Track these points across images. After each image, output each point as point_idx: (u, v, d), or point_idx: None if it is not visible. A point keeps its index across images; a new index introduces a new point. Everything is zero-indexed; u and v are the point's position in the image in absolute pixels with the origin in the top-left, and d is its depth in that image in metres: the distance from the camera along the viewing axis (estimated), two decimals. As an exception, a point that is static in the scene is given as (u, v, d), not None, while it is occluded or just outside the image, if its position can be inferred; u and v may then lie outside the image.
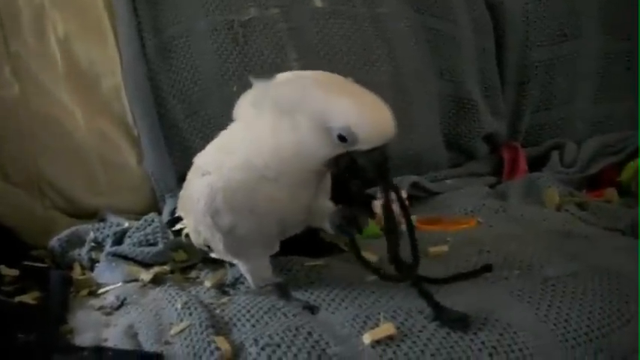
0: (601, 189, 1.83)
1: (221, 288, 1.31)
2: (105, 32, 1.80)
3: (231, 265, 1.32)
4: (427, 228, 1.59)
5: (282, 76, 1.15)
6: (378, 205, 1.59)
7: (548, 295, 1.19)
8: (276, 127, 1.10)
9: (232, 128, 1.21)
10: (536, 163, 2.03)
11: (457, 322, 1.09)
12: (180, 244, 1.45)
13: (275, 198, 1.15)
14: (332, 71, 1.79)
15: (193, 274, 1.40)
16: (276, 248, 1.27)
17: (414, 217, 1.57)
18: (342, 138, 1.07)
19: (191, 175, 1.27)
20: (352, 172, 1.10)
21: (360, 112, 1.07)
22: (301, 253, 1.36)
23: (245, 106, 1.16)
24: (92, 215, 1.73)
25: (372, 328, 1.08)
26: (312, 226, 1.28)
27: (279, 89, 1.11)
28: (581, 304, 1.17)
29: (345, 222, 1.17)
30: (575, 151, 2.02)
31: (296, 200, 1.16)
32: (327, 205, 1.24)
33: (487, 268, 1.25)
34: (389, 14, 1.93)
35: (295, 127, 1.09)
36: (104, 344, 1.14)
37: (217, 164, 1.19)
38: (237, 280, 1.31)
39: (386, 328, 1.06)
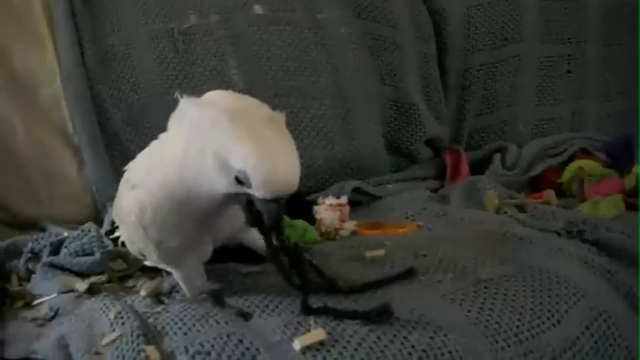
0: (543, 191, 1.85)
1: (157, 297, 1.30)
2: (43, 41, 1.78)
3: (168, 273, 1.32)
4: (368, 232, 1.60)
5: (209, 96, 1.16)
6: (318, 210, 1.61)
7: (480, 297, 1.20)
8: (188, 147, 1.10)
9: (160, 139, 1.22)
10: (480, 166, 2.06)
11: (381, 315, 1.10)
12: (118, 253, 1.44)
13: (198, 215, 1.15)
14: (272, 78, 1.82)
15: (130, 282, 1.39)
16: (209, 255, 1.27)
17: (353, 222, 1.60)
18: (238, 180, 1.05)
19: (122, 187, 1.27)
20: (250, 211, 1.09)
21: (260, 161, 1.03)
22: (238, 260, 1.36)
23: (173, 120, 1.17)
24: (32, 226, 1.71)
25: (304, 334, 1.07)
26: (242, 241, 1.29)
27: (195, 112, 1.10)
28: (513, 306, 1.19)
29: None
30: (517, 154, 2.04)
31: (215, 219, 1.17)
32: None
33: (410, 272, 1.25)
34: (329, 20, 1.94)
35: (202, 154, 1.07)
36: (33, 356, 1.13)
37: (143, 179, 1.19)
38: (174, 289, 1.31)
39: (316, 334, 1.06)
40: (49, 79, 1.77)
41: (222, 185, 1.07)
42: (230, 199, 1.10)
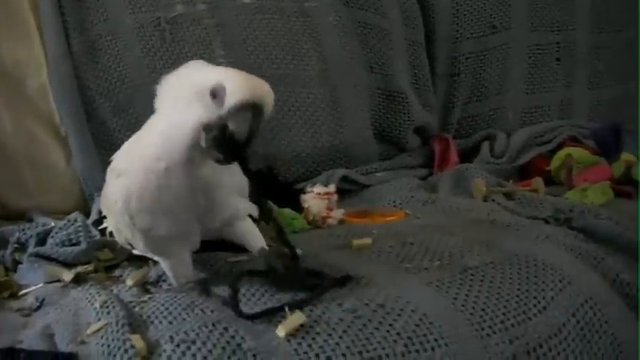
0: (532, 179, 1.85)
1: (143, 286, 1.30)
2: (30, 31, 1.77)
3: (155, 262, 1.32)
4: (355, 221, 1.60)
5: None
6: (306, 199, 1.61)
7: (466, 284, 1.20)
8: (161, 115, 1.16)
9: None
10: (468, 154, 2.06)
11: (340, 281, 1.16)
12: (105, 242, 1.44)
13: (178, 191, 1.15)
14: (260, 67, 1.82)
15: (117, 272, 1.39)
16: (197, 245, 1.27)
17: (341, 211, 1.60)
18: (213, 95, 1.08)
19: (108, 176, 1.27)
20: (224, 144, 1.10)
21: (231, 72, 1.11)
22: (225, 249, 1.36)
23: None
24: (21, 216, 1.71)
25: (280, 321, 1.08)
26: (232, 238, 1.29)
27: (168, 78, 1.16)
28: (499, 293, 1.19)
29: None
30: (506, 142, 2.04)
31: (197, 187, 1.17)
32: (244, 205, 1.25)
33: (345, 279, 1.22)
34: (317, 8, 1.94)
35: (174, 107, 1.12)
36: (19, 346, 1.12)
37: (126, 167, 1.20)
38: (160, 278, 1.31)
39: (296, 318, 1.07)
40: (36, 71, 1.77)
41: (198, 113, 1.09)
42: (202, 147, 1.11)
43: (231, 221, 1.26)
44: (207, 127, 1.09)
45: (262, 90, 1.09)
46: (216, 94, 1.08)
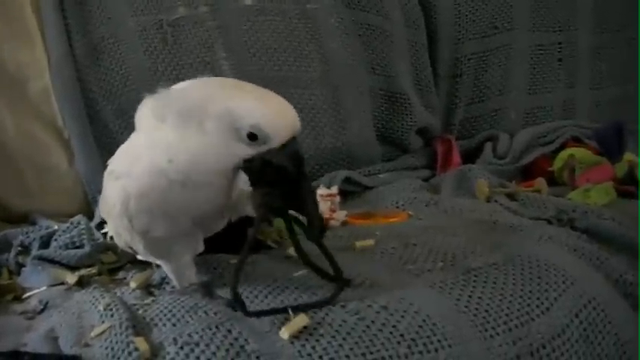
0: (534, 179, 1.85)
1: (147, 289, 1.30)
2: (32, 34, 1.78)
3: (158, 265, 1.32)
4: (358, 222, 1.60)
5: (182, 84, 1.17)
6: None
7: (469, 285, 1.20)
8: (184, 132, 1.11)
9: (137, 133, 1.23)
10: (471, 155, 2.06)
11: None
12: (108, 245, 1.44)
13: (187, 201, 1.15)
14: (261, 69, 1.83)
15: (121, 275, 1.39)
16: (201, 248, 1.26)
17: (344, 212, 1.60)
18: (252, 137, 1.08)
19: (106, 179, 1.27)
20: (265, 178, 1.09)
21: (266, 109, 1.08)
22: (228, 251, 1.36)
23: (144, 117, 1.18)
24: (24, 219, 1.71)
25: (283, 323, 1.07)
26: (238, 214, 1.27)
27: (183, 95, 1.13)
28: (502, 294, 1.19)
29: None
30: (508, 143, 2.04)
31: (210, 202, 1.16)
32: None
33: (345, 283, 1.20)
34: (319, 10, 1.94)
35: (203, 131, 1.10)
36: (23, 349, 1.13)
37: (127, 169, 1.19)
38: (164, 281, 1.31)
39: (300, 320, 1.07)
40: (39, 73, 1.77)
41: (234, 151, 1.09)
42: (235, 174, 1.11)
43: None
44: (245, 161, 1.10)
45: (295, 118, 1.11)
46: (256, 136, 1.08)
